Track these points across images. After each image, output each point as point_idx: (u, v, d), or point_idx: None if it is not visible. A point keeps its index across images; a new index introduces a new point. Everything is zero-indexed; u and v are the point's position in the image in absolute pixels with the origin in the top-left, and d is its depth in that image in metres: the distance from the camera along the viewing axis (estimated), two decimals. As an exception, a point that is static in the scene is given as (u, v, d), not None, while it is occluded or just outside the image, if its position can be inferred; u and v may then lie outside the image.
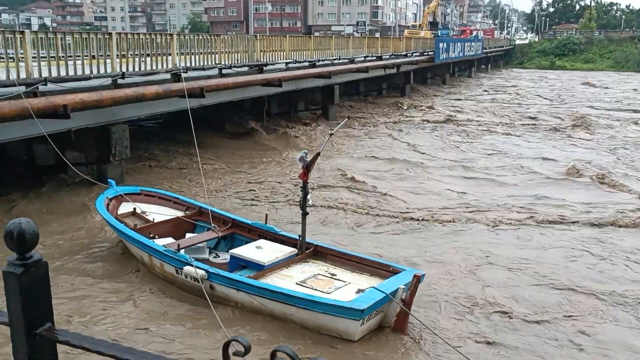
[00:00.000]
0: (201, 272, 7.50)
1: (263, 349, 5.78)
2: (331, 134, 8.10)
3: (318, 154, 7.75)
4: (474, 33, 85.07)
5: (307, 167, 7.63)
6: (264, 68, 18.28)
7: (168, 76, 14.07)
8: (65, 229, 10.53)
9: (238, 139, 19.92)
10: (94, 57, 12.08)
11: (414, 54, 36.22)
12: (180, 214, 10.02)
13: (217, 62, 15.95)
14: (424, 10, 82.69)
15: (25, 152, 14.51)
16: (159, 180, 14.17)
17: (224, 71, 16.29)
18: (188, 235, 9.24)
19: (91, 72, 11.80)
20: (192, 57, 14.96)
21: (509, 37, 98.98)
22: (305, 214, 8.01)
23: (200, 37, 15.83)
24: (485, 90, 40.93)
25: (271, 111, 23.15)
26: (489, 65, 64.67)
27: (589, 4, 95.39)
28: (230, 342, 1.19)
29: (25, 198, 12.20)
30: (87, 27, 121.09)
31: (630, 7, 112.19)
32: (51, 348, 1.45)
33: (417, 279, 7.02)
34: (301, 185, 7.83)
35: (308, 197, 7.86)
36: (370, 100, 32.47)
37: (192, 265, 7.61)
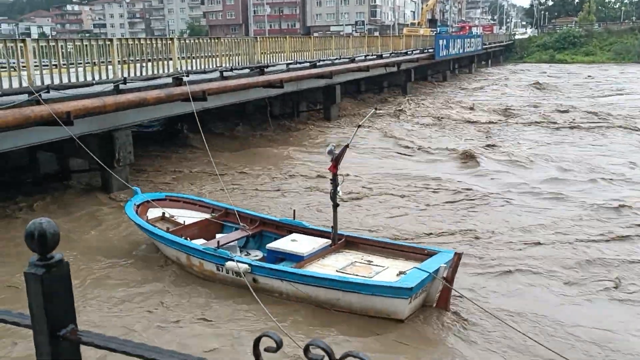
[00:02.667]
0: (244, 266, 7.72)
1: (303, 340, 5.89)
2: (359, 126, 8.23)
3: (347, 146, 7.92)
4: (473, 30, 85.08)
5: (336, 160, 7.84)
6: (265, 70, 18.28)
7: (170, 80, 14.07)
8: (83, 235, 10.58)
9: (242, 140, 19.96)
10: (95, 63, 12.10)
11: (414, 52, 36.19)
12: (207, 216, 10.25)
13: (218, 65, 15.95)
14: (422, 8, 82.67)
15: (29, 159, 14.53)
16: (168, 185, 14.26)
17: (225, 74, 16.30)
18: (218, 235, 9.47)
19: (93, 78, 11.82)
20: (193, 60, 14.96)
21: (508, 32, 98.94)
22: (336, 206, 8.16)
23: (201, 40, 15.84)
24: (503, 83, 40.60)
25: (274, 112, 23.15)
26: (489, 61, 64.58)
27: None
28: (261, 338, 1.16)
29: (32, 206, 12.21)
30: (87, 35, 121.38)
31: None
32: (75, 350, 1.43)
33: (459, 257, 7.37)
34: (331, 177, 7.96)
35: (338, 189, 8.00)
36: (371, 97, 32.47)
37: (234, 261, 7.80)
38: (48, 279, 1.36)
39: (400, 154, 17.81)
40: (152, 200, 10.39)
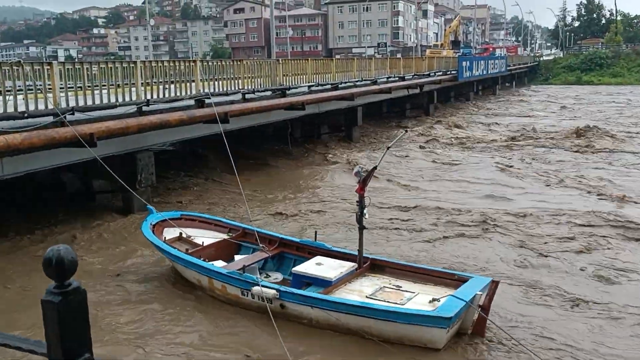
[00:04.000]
0: (272, 292, 7.58)
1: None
2: (388, 148, 8.12)
3: (375, 168, 7.92)
4: (497, 51, 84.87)
5: (364, 181, 7.82)
6: (287, 92, 18.44)
7: (192, 102, 14.26)
8: (106, 256, 10.69)
9: (263, 161, 20.08)
10: (119, 85, 12.32)
11: (437, 73, 36.24)
12: (224, 236, 10.18)
13: (240, 87, 16.14)
14: (445, 30, 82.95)
15: (54, 179, 14.79)
16: (189, 205, 14.38)
17: (247, 96, 16.47)
18: (237, 257, 9.41)
19: (117, 100, 12.01)
20: (216, 82, 15.16)
21: (532, 53, 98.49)
22: (362, 228, 8.11)
23: (223, 63, 16.06)
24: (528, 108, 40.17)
25: (295, 134, 23.27)
26: (514, 83, 64.31)
27: (614, 17, 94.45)
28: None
29: (58, 226, 12.41)
30: (112, 57, 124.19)
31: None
32: (90, 379, 1.42)
33: (495, 285, 7.26)
34: (357, 199, 7.92)
35: (365, 211, 7.94)
36: (394, 119, 32.48)
37: (260, 285, 7.69)
38: (64, 307, 1.36)
39: (428, 177, 17.63)
40: (169, 219, 10.37)
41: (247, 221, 10.98)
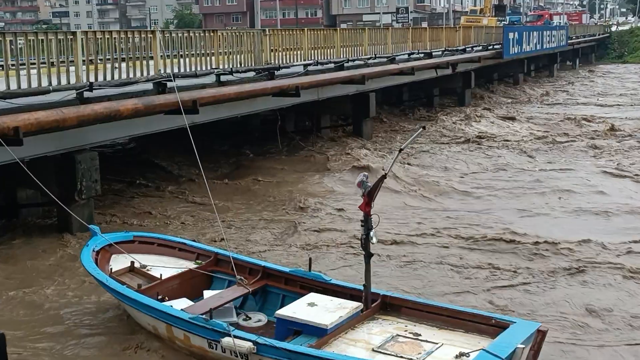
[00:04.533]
0: (247, 345, 7.41)
1: None
2: (401, 150, 7.99)
3: (384, 177, 7.74)
4: (555, 19, 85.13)
5: (369, 194, 7.69)
6: (276, 73, 18.52)
7: (150, 86, 14.31)
8: (30, 294, 10.61)
9: (244, 164, 20.15)
10: (53, 64, 12.35)
11: (475, 49, 36.40)
12: (190, 264, 10.13)
13: (213, 66, 16.20)
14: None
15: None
16: (145, 222, 14.43)
17: (223, 78, 16.53)
18: (207, 293, 9.27)
19: (50, 83, 12.03)
20: (181, 60, 15.20)
21: (602, 22, 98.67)
22: (369, 256, 8.05)
23: (192, 34, 16.12)
24: None
25: (286, 128, 23.34)
26: (577, 61, 64.49)
27: None
28: None
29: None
30: (44, 26, 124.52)
31: None
32: None
33: (542, 335, 7.21)
34: (362, 218, 7.85)
35: (371, 233, 7.88)
36: (417, 109, 32.58)
37: (232, 336, 7.54)
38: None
39: (458, 189, 17.69)
40: (117, 243, 10.26)
41: (221, 244, 10.96)
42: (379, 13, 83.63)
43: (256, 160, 20.64)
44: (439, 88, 34.60)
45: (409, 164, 20.09)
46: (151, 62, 14.37)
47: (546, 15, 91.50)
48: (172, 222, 14.52)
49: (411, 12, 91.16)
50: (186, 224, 14.46)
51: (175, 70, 14.85)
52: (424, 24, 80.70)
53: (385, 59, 25.72)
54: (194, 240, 11.50)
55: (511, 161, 20.99)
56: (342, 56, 22.42)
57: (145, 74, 14.08)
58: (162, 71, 14.42)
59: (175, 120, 14.60)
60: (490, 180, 18.53)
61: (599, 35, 74.48)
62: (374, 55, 24.84)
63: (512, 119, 29.66)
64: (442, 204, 16.15)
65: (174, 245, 10.73)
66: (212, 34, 16.56)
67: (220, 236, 12.56)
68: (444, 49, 31.96)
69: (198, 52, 15.87)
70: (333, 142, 23.59)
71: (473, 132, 26.31)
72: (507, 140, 24.61)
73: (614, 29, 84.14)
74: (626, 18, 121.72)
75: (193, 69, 15.51)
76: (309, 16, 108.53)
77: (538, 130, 26.72)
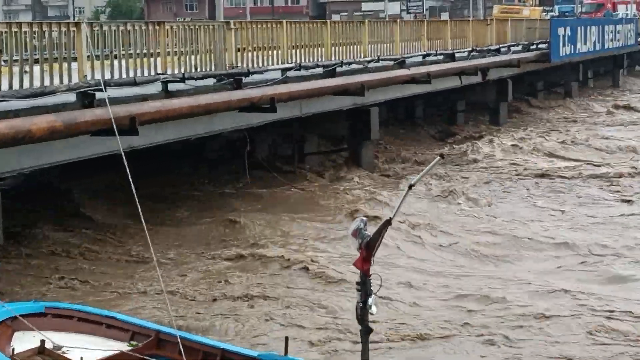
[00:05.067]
0: None
1: None
2: (411, 186, 7.96)
3: (388, 223, 7.67)
4: (620, 9, 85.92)
5: (369, 247, 7.65)
6: (244, 80, 18.58)
7: (73, 97, 14.32)
8: None
9: (199, 203, 20.18)
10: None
11: (513, 49, 36.66)
12: (123, 346, 10.00)
13: (159, 70, 16.25)
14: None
15: None
16: (62, 285, 14.31)
17: (171, 87, 16.56)
18: None
19: None
20: (115, 63, 15.22)
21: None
22: (367, 332, 7.98)
23: (129, 27, 16.15)
24: None
25: (258, 155, 23.33)
26: (651, 66, 65.11)
27: None
28: None
29: None
30: None
31: None
32: None
33: None
34: (358, 279, 7.80)
35: (370, 300, 7.82)
36: (436, 130, 32.72)
37: None
38: None
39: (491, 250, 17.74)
40: (22, 316, 10.12)
41: (165, 319, 10.85)
42: (383, 0, 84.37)
43: (213, 200, 20.66)
44: (466, 100, 34.84)
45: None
46: (75, 65, 14.35)
47: (609, 4, 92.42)
48: (99, 287, 14.39)
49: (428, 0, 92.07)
50: (118, 288, 14.34)
51: (107, 76, 14.87)
52: (444, 16, 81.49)
53: (391, 62, 25.86)
54: (127, 314, 11.40)
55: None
56: (333, 58, 22.57)
57: (66, 81, 14.06)
58: (89, 77, 14.42)
59: (107, 143, 14.58)
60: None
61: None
62: (376, 57, 24.96)
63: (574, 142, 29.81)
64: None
65: (100, 320, 10.64)
66: (157, 27, 16.64)
67: (164, 307, 12.44)
68: (470, 49, 32.17)
69: (138, 51, 15.89)
70: (321, 174, 23.63)
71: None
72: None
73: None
74: None
75: (131, 74, 15.53)
76: (290, 4, 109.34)
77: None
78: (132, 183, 10.51)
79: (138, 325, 10.49)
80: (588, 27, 46.42)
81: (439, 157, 9.44)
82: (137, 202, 10.58)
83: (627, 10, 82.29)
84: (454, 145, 29.65)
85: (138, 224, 13.79)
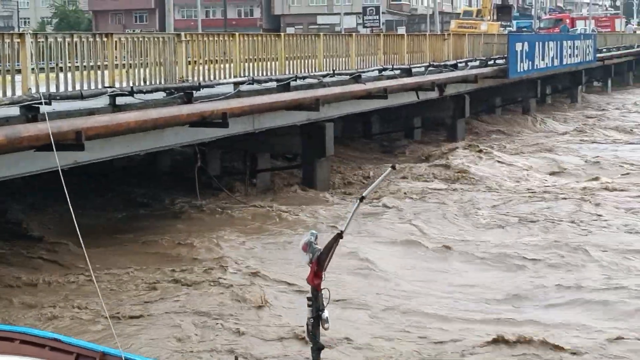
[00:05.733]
0: None
1: None
2: (362, 199, 7.97)
3: (339, 236, 7.67)
4: (578, 25, 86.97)
5: (319, 261, 7.62)
6: (195, 94, 18.56)
7: (16, 111, 14.22)
8: None
9: (145, 222, 20.12)
10: None
11: (470, 64, 37.01)
12: None
13: (107, 83, 16.17)
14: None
15: None
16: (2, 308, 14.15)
17: (119, 100, 16.50)
18: None
19: None
20: (61, 75, 15.13)
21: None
22: (318, 348, 7.95)
23: (77, 39, 16.07)
24: None
25: (209, 171, 23.26)
26: (609, 82, 65.87)
27: None
28: None
29: None
30: None
31: None
32: None
33: None
34: (309, 295, 7.76)
35: (324, 316, 7.79)
36: (394, 146, 32.88)
37: None
38: None
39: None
40: None
41: (109, 340, 10.78)
42: (339, 14, 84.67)
43: (161, 219, 20.59)
44: (422, 117, 35.04)
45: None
46: (18, 78, 14.27)
47: (567, 20, 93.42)
48: (40, 308, 14.23)
49: (383, 13, 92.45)
50: (61, 312, 14.17)
51: (53, 89, 14.78)
52: (401, 30, 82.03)
53: (347, 77, 25.98)
54: (64, 335, 11.31)
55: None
56: (287, 72, 22.63)
57: (9, 94, 13.98)
58: (34, 90, 14.32)
59: (48, 159, 14.41)
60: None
61: (638, 47, 76.05)
62: (331, 72, 25.04)
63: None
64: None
65: (43, 342, 10.48)
66: (105, 39, 16.57)
67: (107, 329, 12.37)
68: (428, 64, 32.36)
69: (85, 64, 15.81)
70: (274, 191, 23.65)
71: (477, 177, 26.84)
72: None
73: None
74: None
75: (78, 87, 15.45)
76: (243, 16, 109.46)
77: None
78: (69, 201, 10.46)
79: (82, 347, 10.37)
80: (546, 43, 46.86)
81: (390, 169, 9.49)
82: (75, 221, 10.52)
83: (585, 26, 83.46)
84: (408, 162, 29.80)
85: (78, 243, 13.74)
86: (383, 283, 16.19)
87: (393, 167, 11.53)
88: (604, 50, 62.52)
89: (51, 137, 12.79)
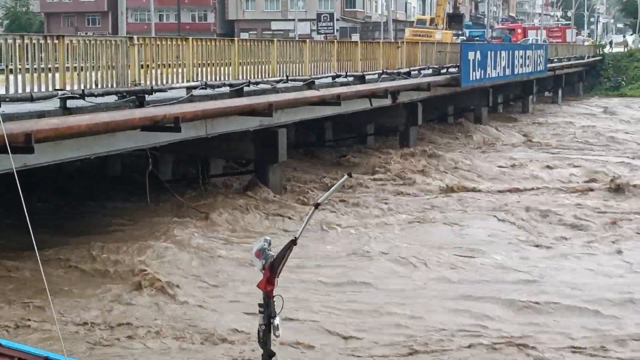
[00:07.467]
0: None
1: None
2: (317, 206, 8.00)
3: (293, 243, 7.67)
4: (530, 34, 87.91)
5: (272, 268, 7.61)
6: (147, 98, 18.51)
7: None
8: None
9: (97, 224, 20.05)
10: None
11: (424, 72, 37.18)
12: None
13: (57, 86, 16.07)
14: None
15: None
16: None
17: (70, 103, 16.41)
18: None
19: None
20: (11, 77, 15.03)
21: (593, 40, 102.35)
22: (270, 356, 7.93)
23: (27, 40, 15.94)
24: None
25: (160, 175, 23.17)
26: (560, 92, 66.53)
27: None
28: None
29: None
30: None
31: None
32: None
33: None
34: (261, 301, 7.75)
35: (276, 322, 7.77)
36: (347, 153, 32.97)
37: None
38: None
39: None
40: None
41: (55, 346, 10.70)
42: (293, 20, 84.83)
43: (112, 222, 20.52)
44: (375, 124, 35.19)
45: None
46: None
47: (519, 30, 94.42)
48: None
49: (337, 20, 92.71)
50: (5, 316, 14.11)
51: (2, 91, 14.68)
52: (355, 37, 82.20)
53: (300, 83, 26.02)
54: (14, 341, 11.21)
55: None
56: (241, 77, 22.62)
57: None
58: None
59: (1, 162, 14.35)
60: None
61: (588, 57, 77.17)
62: (285, 77, 25.03)
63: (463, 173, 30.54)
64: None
65: (13, 354, 10.46)
66: (56, 41, 16.45)
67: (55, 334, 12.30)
68: (381, 71, 32.41)
69: (36, 66, 15.70)
70: (226, 197, 23.62)
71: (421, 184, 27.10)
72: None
73: (607, 50, 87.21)
74: (624, 36, 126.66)
75: (28, 89, 15.35)
76: (197, 21, 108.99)
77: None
78: (24, 207, 10.36)
79: (25, 352, 10.28)
80: (498, 52, 47.24)
81: (346, 177, 9.52)
82: (30, 227, 10.42)
83: (537, 36, 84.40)
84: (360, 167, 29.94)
85: (31, 249, 13.62)
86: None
87: (349, 175, 11.57)
88: (555, 60, 63.19)
89: (6, 140, 12.67)
